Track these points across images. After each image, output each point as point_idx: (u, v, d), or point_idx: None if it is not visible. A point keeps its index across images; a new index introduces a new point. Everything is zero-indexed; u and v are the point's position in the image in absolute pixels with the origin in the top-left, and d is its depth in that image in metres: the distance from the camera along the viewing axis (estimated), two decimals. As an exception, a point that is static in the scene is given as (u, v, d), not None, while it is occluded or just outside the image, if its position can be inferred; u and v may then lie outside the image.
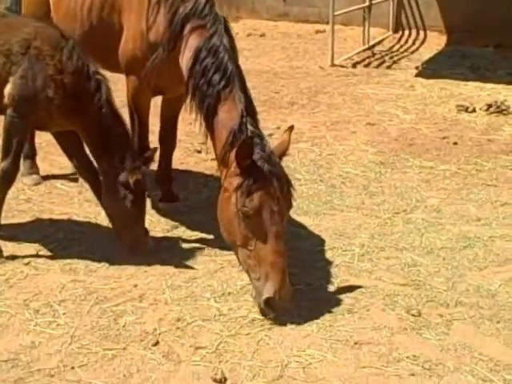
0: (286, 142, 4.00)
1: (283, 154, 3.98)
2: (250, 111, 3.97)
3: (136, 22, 4.48)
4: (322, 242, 4.68)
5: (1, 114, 4.35)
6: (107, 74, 4.55)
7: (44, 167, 5.92)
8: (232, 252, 4.48)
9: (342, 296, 3.99)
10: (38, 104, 4.16)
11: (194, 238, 4.75)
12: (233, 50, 4.18)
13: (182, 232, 4.84)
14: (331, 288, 4.11)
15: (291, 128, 4.06)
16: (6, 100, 4.21)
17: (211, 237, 4.68)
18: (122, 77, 5.05)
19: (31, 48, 4.18)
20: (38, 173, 5.78)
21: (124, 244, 4.39)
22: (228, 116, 3.96)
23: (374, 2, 11.51)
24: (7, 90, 4.19)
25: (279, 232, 3.73)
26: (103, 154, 4.29)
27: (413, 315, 3.79)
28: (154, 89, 4.65)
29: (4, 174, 4.28)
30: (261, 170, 3.72)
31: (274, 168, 3.76)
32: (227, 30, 4.22)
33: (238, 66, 4.13)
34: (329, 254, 4.51)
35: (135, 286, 4.09)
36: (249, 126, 3.88)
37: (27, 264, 4.32)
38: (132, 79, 4.64)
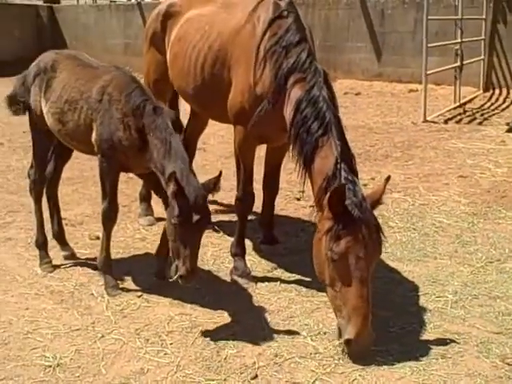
0: (380, 191, 3.85)
1: (376, 202, 3.82)
2: (346, 158, 3.87)
3: (244, 77, 4.52)
4: (415, 287, 4.48)
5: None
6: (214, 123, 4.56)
7: (158, 210, 6.03)
8: (328, 293, 4.37)
9: (436, 341, 3.77)
10: (115, 146, 4.19)
11: (292, 278, 4.67)
12: (332, 101, 4.11)
13: (281, 273, 4.77)
14: (424, 333, 3.90)
15: (388, 179, 3.89)
16: (95, 146, 4.29)
17: (308, 278, 4.58)
18: (230, 128, 5.11)
19: (105, 94, 4.24)
20: (152, 214, 5.92)
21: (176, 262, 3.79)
22: (324, 162, 3.89)
23: (464, 62, 11.26)
24: (93, 136, 4.28)
25: (364, 277, 3.59)
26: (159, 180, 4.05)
27: (508, 364, 3.52)
28: (259, 138, 4.65)
29: (105, 214, 4.37)
30: (351, 215, 3.61)
31: (364, 214, 3.63)
32: (327, 82, 4.19)
33: (336, 116, 4.05)
34: (422, 300, 4.31)
35: (236, 321, 4.03)
36: (343, 173, 3.78)
37: (140, 296, 4.37)
38: (239, 129, 4.66)
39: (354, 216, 3.60)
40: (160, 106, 4.21)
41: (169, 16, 5.46)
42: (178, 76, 5.21)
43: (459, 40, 11.27)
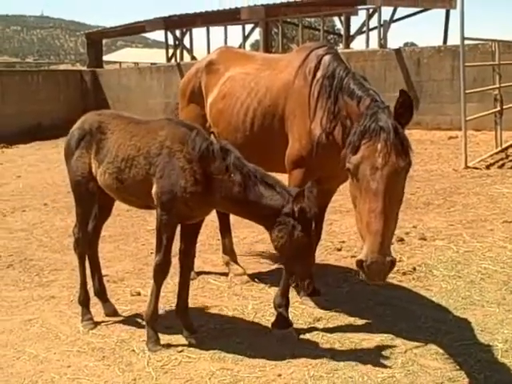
0: (398, 104, 3.51)
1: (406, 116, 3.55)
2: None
3: (301, 126, 4.59)
4: (462, 336, 4.34)
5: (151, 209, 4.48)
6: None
7: (198, 264, 6.04)
8: (372, 345, 4.28)
9: (487, 393, 3.63)
10: (176, 197, 4.18)
11: (335, 330, 4.57)
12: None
13: (324, 325, 4.68)
14: (475, 384, 3.76)
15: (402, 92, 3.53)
16: (154, 200, 4.29)
17: (351, 330, 4.50)
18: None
19: (164, 148, 4.27)
20: (193, 269, 5.91)
21: (294, 276, 4.09)
22: None
23: (504, 107, 11.17)
24: (153, 190, 4.28)
25: (379, 189, 3.34)
26: (254, 210, 4.09)
27: None
28: (317, 179, 4.63)
29: (158, 268, 4.36)
30: (370, 124, 3.48)
31: (384, 123, 3.46)
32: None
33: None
34: (470, 350, 4.15)
35: (279, 375, 3.96)
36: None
37: (181, 351, 4.32)
38: (296, 175, 4.69)
39: (373, 125, 3.47)
40: (225, 145, 4.25)
41: (208, 73, 5.62)
42: (224, 131, 5.31)
43: (498, 85, 11.22)
